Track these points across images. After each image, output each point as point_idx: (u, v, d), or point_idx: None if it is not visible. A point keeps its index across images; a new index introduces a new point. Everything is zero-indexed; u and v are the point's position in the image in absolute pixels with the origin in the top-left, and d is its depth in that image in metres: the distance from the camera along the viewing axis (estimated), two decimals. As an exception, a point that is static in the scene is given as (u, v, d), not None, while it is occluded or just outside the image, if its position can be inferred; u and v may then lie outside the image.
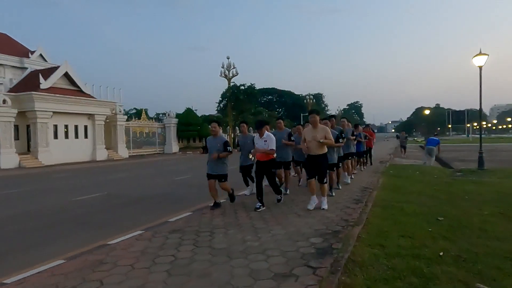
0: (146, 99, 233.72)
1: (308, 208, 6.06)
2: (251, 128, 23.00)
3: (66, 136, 24.93)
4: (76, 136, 25.63)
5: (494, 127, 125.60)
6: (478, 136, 13.84)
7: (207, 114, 47.70)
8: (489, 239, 4.63)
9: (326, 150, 6.12)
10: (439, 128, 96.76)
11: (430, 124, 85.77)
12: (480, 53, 12.44)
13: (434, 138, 15.93)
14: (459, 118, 58.68)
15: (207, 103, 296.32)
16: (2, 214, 7.21)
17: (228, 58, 35.58)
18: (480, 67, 12.55)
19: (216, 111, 64.44)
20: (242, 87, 38.31)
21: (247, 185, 7.81)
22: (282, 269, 3.46)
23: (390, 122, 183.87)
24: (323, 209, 6.04)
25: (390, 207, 6.29)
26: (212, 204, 6.48)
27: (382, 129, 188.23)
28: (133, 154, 30.16)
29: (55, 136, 24.07)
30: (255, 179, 6.65)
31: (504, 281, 3.34)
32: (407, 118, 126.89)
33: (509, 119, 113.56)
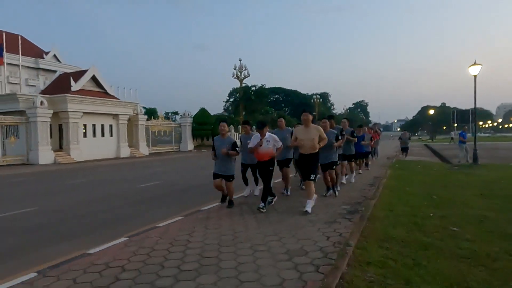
0: (148, 98, 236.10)
1: (306, 211, 5.93)
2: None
3: (94, 135, 27.16)
4: (102, 135, 27.85)
5: (500, 126, 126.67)
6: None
7: (212, 113, 49.50)
8: (466, 208, 6.69)
9: (318, 148, 6.17)
10: (445, 127, 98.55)
11: (436, 123, 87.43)
12: (475, 63, 14.47)
13: (461, 133, 17.11)
14: (464, 117, 60.15)
15: (207, 103, 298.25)
16: (94, 195, 9.40)
17: (240, 60, 37.77)
18: (475, 76, 14.60)
19: (223, 110, 66.35)
20: (254, 88, 40.45)
21: (246, 184, 8.00)
22: (329, 219, 5.56)
23: (395, 121, 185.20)
24: (306, 211, 5.91)
25: (396, 190, 8.39)
26: (221, 199, 6.99)
27: (387, 127, 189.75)
28: (152, 151, 32.36)
29: (84, 135, 26.30)
30: (262, 181, 6.66)
31: (468, 226, 5.40)
32: (413, 117, 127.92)
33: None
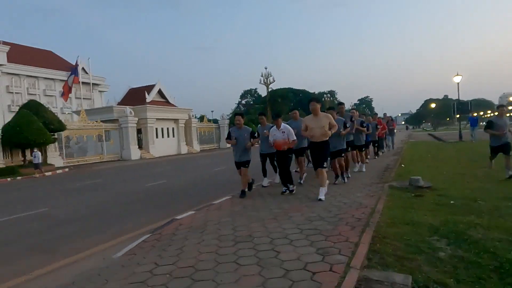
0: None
1: (320, 199, 6.20)
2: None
3: (162, 136, 35.11)
4: (168, 136, 35.81)
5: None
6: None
7: (218, 115, 56.92)
8: (445, 154, 14.84)
9: (329, 135, 6.35)
10: (448, 119, 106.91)
11: (438, 115, 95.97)
12: (457, 74, 22.49)
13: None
14: (464, 108, 68.33)
15: (213, 104, 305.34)
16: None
17: (266, 68, 45.99)
18: (458, 83, 22.67)
19: (234, 110, 73.93)
20: (278, 89, 48.36)
21: (265, 175, 8.53)
22: (388, 157, 13.67)
23: (400, 115, 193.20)
24: (320, 199, 6.16)
25: (411, 151, 16.75)
26: (241, 193, 7.28)
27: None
28: (201, 149, 40.32)
29: (156, 136, 34.24)
30: (278, 168, 7.55)
31: (444, 158, 13.58)
32: (417, 110, 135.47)
33: (510, 108, 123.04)
